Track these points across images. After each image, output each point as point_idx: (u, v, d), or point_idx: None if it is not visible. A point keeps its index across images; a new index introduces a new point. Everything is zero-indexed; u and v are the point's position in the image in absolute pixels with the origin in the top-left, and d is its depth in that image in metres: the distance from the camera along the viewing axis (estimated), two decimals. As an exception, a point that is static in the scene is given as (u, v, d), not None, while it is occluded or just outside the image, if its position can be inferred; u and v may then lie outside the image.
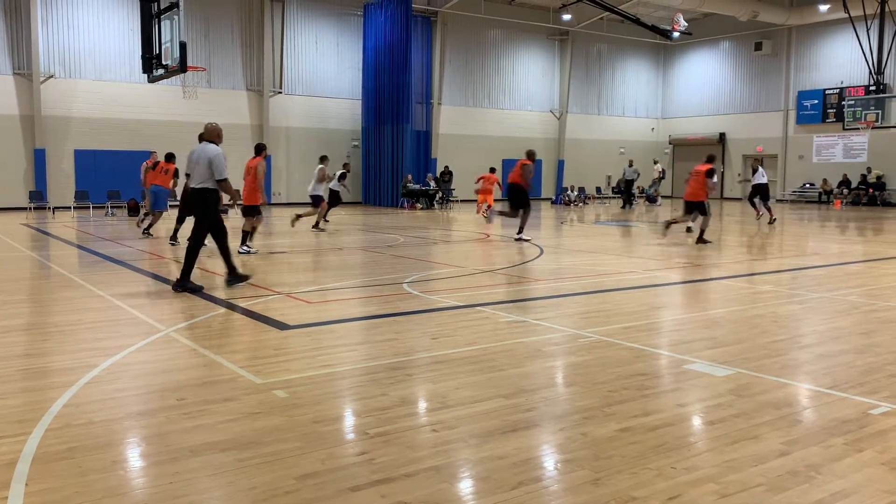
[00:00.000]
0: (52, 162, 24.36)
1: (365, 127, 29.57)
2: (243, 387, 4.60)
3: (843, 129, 29.50)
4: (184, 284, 8.11)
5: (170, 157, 14.89)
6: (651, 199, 32.28)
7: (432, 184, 28.29)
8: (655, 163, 33.19)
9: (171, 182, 14.98)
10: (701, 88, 37.13)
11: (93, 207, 23.22)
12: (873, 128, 27.60)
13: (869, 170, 30.77)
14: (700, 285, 9.28)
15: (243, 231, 12.03)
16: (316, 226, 16.63)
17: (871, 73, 28.05)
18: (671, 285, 9.20)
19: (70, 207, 23.50)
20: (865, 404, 4.30)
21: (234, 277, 8.46)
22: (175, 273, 9.12)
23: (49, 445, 3.62)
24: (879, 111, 27.41)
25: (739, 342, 5.95)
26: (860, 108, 28.10)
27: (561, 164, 35.19)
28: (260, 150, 12.19)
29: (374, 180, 29.58)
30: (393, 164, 28.58)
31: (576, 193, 31.50)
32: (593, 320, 6.85)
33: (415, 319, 6.80)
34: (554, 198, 32.92)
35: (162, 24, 15.29)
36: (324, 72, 29.22)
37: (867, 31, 27.40)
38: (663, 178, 32.41)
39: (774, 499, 3.05)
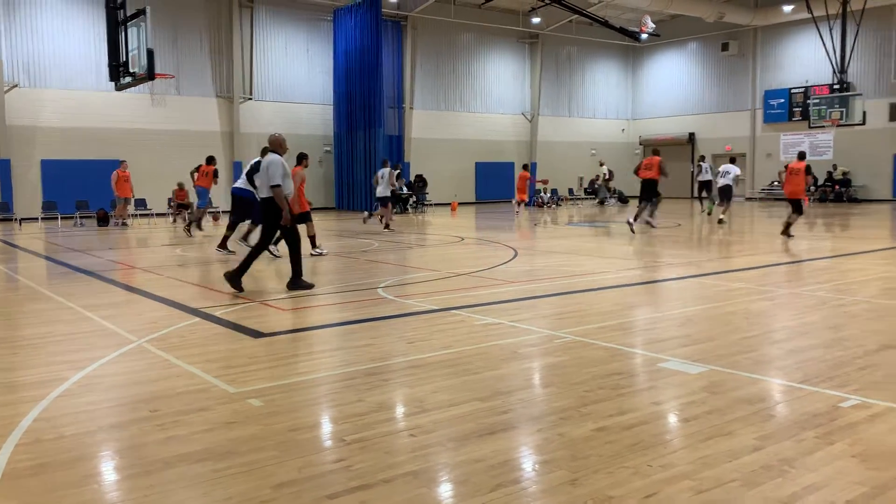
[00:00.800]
0: (18, 172, 23.95)
1: (337, 132, 29.50)
2: (217, 396, 4.56)
3: (809, 127, 30.01)
4: (235, 283, 8.47)
5: (210, 160, 17.15)
6: (623, 200, 32.56)
7: (405, 188, 28.26)
8: (601, 164, 33.06)
9: (212, 183, 17.24)
10: (670, 89, 37.55)
11: (61, 218, 22.86)
12: (838, 126, 28.11)
13: (835, 167, 31.33)
14: (673, 283, 9.37)
15: (310, 237, 12.55)
16: (387, 226, 18.21)
17: (834, 72, 28.57)
18: (645, 284, 9.28)
19: (37, 218, 23.10)
20: (835, 398, 4.37)
21: (297, 283, 8.69)
22: (148, 282, 9.01)
23: (19, 461, 3.55)
24: (844, 109, 27.90)
25: (712, 339, 6.02)
26: (825, 107, 28.58)
27: (534, 167, 35.36)
28: (301, 158, 12.61)
29: (346, 186, 29.51)
30: (366, 169, 28.52)
31: (549, 195, 31.67)
32: (568, 321, 6.89)
33: (390, 324, 6.78)
34: (527, 200, 33.04)
35: (128, 31, 15.09)
36: (294, 77, 29.10)
37: (830, 30, 27.92)
38: (610, 178, 32.30)
39: (749, 494, 3.09)
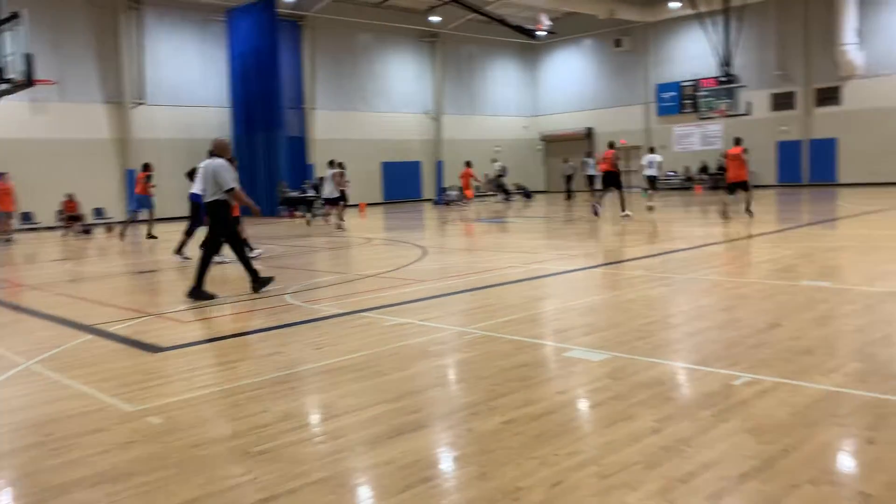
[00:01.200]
0: None
1: (236, 135, 28.72)
2: (114, 416, 4.35)
3: (699, 118, 31.43)
4: (197, 292, 8.31)
5: (145, 167, 18.11)
6: (527, 195, 33.15)
7: (311, 191, 27.84)
8: (493, 162, 33.18)
9: (149, 188, 17.99)
10: (568, 86, 38.53)
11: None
12: (725, 116, 29.57)
13: (725, 155, 32.90)
14: (578, 274, 9.60)
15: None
16: (339, 226, 18.52)
17: (720, 65, 30.01)
18: (551, 276, 9.47)
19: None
20: (729, 376, 4.58)
21: (258, 283, 8.74)
22: (36, 300, 8.51)
23: None
24: (730, 100, 29.36)
25: (614, 326, 6.20)
26: (713, 99, 30.00)
27: (440, 165, 35.56)
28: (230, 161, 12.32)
29: (249, 190, 28.65)
30: (268, 172, 27.94)
31: (456, 193, 31.89)
32: (477, 316, 6.95)
33: (297, 331, 6.66)
34: (435, 198, 33.22)
35: (3, 36, 14.23)
36: (189, 80, 28.15)
37: (714, 26, 29.31)
38: (502, 175, 32.34)
39: (650, 475, 3.19)
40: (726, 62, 29.55)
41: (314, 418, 4.23)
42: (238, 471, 3.49)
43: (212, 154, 8.81)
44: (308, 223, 20.48)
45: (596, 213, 18.04)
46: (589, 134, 37.68)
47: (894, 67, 28.58)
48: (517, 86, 39.46)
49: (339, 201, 18.99)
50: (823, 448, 3.42)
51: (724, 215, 16.05)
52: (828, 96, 30.32)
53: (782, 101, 31.54)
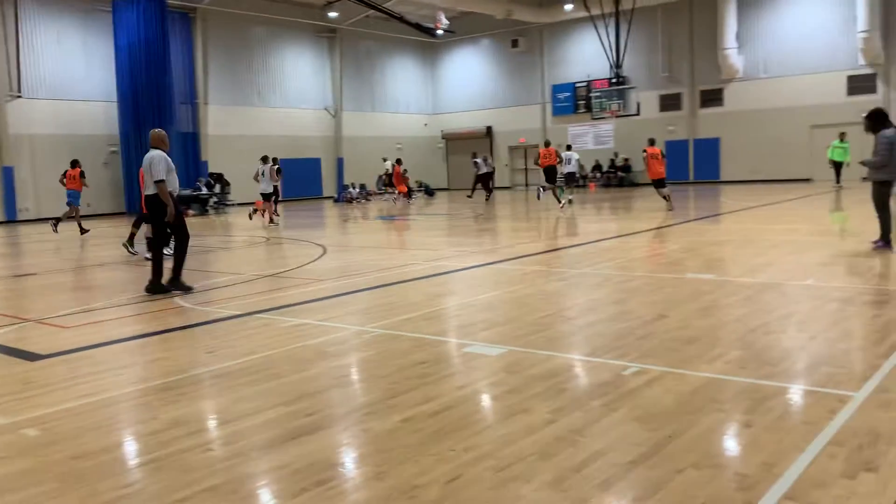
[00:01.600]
0: None
1: (123, 131, 27.42)
2: (-16, 431, 4.05)
3: (592, 118, 32.48)
4: (160, 288, 8.43)
5: (74, 164, 18.83)
6: (429, 192, 33.31)
7: (204, 188, 26.97)
8: (384, 160, 32.68)
9: (82, 185, 18.99)
10: (467, 84, 38.93)
11: None
12: (617, 116, 30.70)
13: (616, 154, 34.12)
14: (478, 271, 9.71)
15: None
16: (271, 220, 19.00)
17: (611, 66, 31.11)
18: (451, 273, 9.53)
19: None
20: (619, 366, 4.74)
21: (178, 283, 8.54)
22: None
23: None
24: (621, 101, 30.50)
25: (511, 321, 6.31)
26: (605, 99, 31.08)
27: (340, 162, 35.18)
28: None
29: (138, 188, 27.50)
30: (160, 169, 26.81)
31: (357, 190, 31.66)
32: (377, 315, 6.91)
33: (188, 334, 6.42)
34: (336, 196, 32.86)
35: None
36: (71, 73, 26.63)
37: (606, 28, 30.35)
38: (390, 173, 32.13)
39: (544, 465, 3.26)
40: (617, 64, 30.66)
41: (206, 424, 4.09)
42: (124, 482, 3.32)
43: (152, 148, 8.67)
44: (250, 217, 21.12)
45: (538, 197, 21.77)
46: (489, 132, 38.22)
47: (770, 71, 30.44)
48: (417, 83, 39.54)
49: (272, 196, 19.46)
50: (706, 433, 3.59)
51: (670, 207, 17.82)
52: (711, 98, 31.96)
53: (670, 102, 33.01)
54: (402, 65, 38.59)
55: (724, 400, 4.04)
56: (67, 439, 3.88)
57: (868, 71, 28.22)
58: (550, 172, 21.43)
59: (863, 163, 9.70)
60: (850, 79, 28.59)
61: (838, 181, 23.82)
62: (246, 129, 31.26)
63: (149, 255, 11.13)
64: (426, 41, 38.22)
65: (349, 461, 3.48)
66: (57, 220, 18.67)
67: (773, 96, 30.25)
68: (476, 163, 27.55)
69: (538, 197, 22.09)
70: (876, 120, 9.34)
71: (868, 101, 26.73)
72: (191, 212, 25.53)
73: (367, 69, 36.61)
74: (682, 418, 3.77)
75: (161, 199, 8.35)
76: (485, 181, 27.17)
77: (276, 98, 32.75)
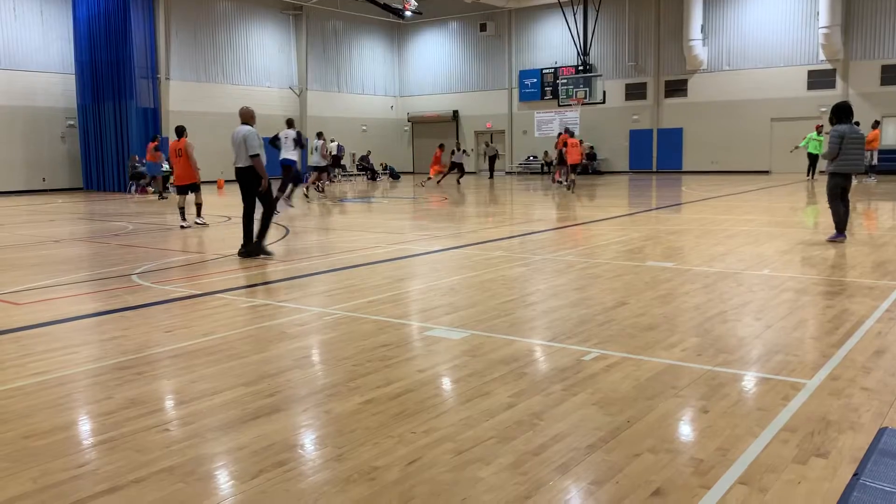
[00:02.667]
0: None
1: (81, 104, 26.75)
2: (-69, 409, 3.94)
3: (559, 105, 32.58)
4: (249, 250, 9.24)
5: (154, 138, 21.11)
6: (394, 175, 33.14)
7: (165, 165, 26.40)
8: (332, 141, 32.51)
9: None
10: (434, 67, 38.74)
11: None
12: (583, 104, 30.84)
13: (581, 142, 34.30)
14: (440, 255, 9.70)
15: (196, 205, 13.66)
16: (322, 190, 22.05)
17: (579, 54, 31.22)
18: (414, 257, 9.52)
19: None
20: (579, 352, 4.79)
21: (257, 248, 9.23)
22: None
23: None
24: (587, 89, 30.65)
25: (474, 305, 6.32)
26: (572, 87, 31.18)
27: (306, 141, 34.74)
28: (181, 132, 13.38)
29: (95, 163, 26.95)
30: (117, 144, 26.26)
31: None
32: (339, 297, 6.86)
33: (146, 313, 6.30)
34: (301, 177, 32.43)
35: None
36: (27, 43, 25.85)
37: (574, 15, 30.40)
38: (339, 154, 31.59)
39: (504, 449, 3.27)
40: (585, 52, 30.77)
41: (163, 404, 4.02)
42: (77, 462, 3.26)
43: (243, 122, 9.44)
44: (306, 193, 21.90)
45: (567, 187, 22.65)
46: (455, 116, 38.12)
47: (732, 63, 30.85)
48: (384, 65, 39.21)
49: (326, 170, 22.31)
50: (663, 418, 3.65)
51: (571, 188, 21.32)
52: (675, 88, 32.32)
53: (635, 91, 33.29)
54: (370, 45, 38.22)
55: (682, 386, 4.10)
56: (19, 418, 3.79)
57: (828, 66, 28.79)
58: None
59: (822, 156, 10.04)
60: (811, 73, 29.15)
61: (811, 174, 24.14)
62: (208, 106, 30.69)
63: (184, 224, 13.21)
64: (394, 22, 37.89)
65: (309, 442, 3.45)
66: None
67: (736, 89, 30.71)
68: (453, 151, 27.64)
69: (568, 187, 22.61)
70: (834, 113, 9.66)
71: (827, 96, 27.35)
72: (151, 189, 25.03)
73: (333, 49, 36.18)
74: (640, 403, 3.82)
75: (255, 172, 9.18)
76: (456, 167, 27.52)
77: (240, 75, 32.21)
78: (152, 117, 28.05)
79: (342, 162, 31.05)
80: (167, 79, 29.08)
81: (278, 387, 4.24)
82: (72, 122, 27.12)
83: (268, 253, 9.29)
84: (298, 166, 17.25)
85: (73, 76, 26.72)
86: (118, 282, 7.77)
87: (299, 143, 16.66)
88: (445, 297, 6.77)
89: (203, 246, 10.89)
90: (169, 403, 4.03)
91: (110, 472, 3.13)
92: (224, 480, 3.07)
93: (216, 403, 3.95)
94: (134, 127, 26.05)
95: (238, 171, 9.36)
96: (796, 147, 24.58)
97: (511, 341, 5.11)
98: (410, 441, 3.38)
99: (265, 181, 9.24)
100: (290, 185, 16.94)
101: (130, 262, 9.17)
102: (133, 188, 25.06)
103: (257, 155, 9.15)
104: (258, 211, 9.54)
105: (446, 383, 4.29)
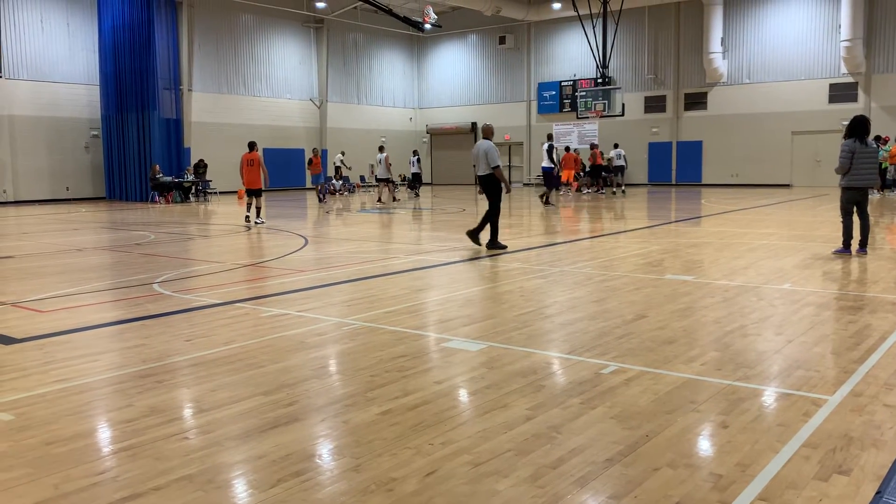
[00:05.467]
0: None
1: (105, 115, 27.14)
2: (-44, 414, 4.00)
3: (577, 117, 32.53)
4: (493, 243, 10.92)
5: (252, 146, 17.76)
6: (412, 186, 33.21)
7: (190, 175, 26.74)
8: (342, 153, 31.99)
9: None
10: (453, 79, 38.90)
11: None
12: (601, 117, 30.78)
13: (602, 154, 34.22)
14: (458, 266, 9.71)
15: (257, 208, 16.13)
16: (380, 200, 24.24)
17: (597, 66, 31.19)
18: (431, 268, 9.53)
19: None
20: (598, 365, 4.77)
21: (496, 243, 10.94)
22: None
23: None
24: (606, 101, 30.57)
25: (491, 317, 6.32)
26: (590, 99, 31.12)
27: (325, 154, 34.99)
28: (252, 146, 16.64)
29: (119, 173, 27.28)
30: (140, 155, 26.58)
31: (340, 182, 31.51)
32: (357, 307, 6.89)
33: (166, 321, 6.37)
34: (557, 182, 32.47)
35: None
36: (54, 54, 26.30)
37: (594, 28, 30.41)
38: (341, 166, 31.50)
39: (521, 462, 3.27)
40: (604, 64, 30.74)
41: (182, 412, 4.06)
42: (97, 469, 3.29)
43: (484, 134, 11.07)
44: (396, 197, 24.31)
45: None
46: (473, 128, 38.20)
47: (752, 77, 30.70)
48: (403, 77, 39.44)
49: (390, 181, 24.08)
50: (682, 432, 3.62)
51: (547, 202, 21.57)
52: (695, 101, 32.19)
53: (654, 104, 33.20)
54: (389, 58, 38.47)
55: (701, 400, 4.07)
56: (41, 424, 3.84)
57: (850, 80, 28.55)
58: (597, 170, 27.36)
59: (835, 170, 10.00)
60: (833, 86, 28.92)
61: (887, 188, 23.36)
62: (230, 118, 31.05)
63: (257, 221, 15.91)
64: (414, 35, 38.13)
65: (326, 453, 3.47)
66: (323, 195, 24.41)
67: (756, 102, 30.53)
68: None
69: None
70: (849, 128, 9.67)
71: (849, 110, 27.09)
72: (172, 199, 25.32)
73: (353, 61, 36.45)
74: (659, 418, 3.80)
75: (494, 178, 10.79)
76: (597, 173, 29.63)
77: (262, 87, 32.53)
78: (174, 128, 28.42)
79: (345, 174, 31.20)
80: (189, 90, 29.43)
81: (297, 396, 4.26)
82: (95, 133, 27.51)
83: (502, 247, 10.90)
84: (554, 172, 22.11)
85: (98, 87, 27.12)
86: (140, 290, 7.86)
87: (550, 153, 21.17)
88: (463, 308, 6.77)
89: (223, 256, 10.97)
90: (188, 412, 4.07)
91: (130, 479, 3.16)
92: (242, 489, 3.08)
93: (235, 412, 3.98)
94: (156, 137, 26.37)
95: (480, 178, 11.10)
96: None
97: (529, 353, 5.10)
98: (428, 452, 3.38)
99: (507, 186, 11.06)
100: (552, 189, 21.16)
101: (152, 271, 9.27)
102: (156, 198, 25.35)
103: (498, 166, 10.76)
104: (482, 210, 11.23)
105: (463, 395, 4.29)
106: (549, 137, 22.11)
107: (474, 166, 11.45)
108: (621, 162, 27.64)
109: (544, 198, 20.87)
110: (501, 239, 11.16)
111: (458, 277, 8.86)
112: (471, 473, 3.15)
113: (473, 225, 11.47)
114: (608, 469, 3.18)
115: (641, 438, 3.52)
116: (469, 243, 11.19)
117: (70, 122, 26.81)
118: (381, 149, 24.11)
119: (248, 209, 16.38)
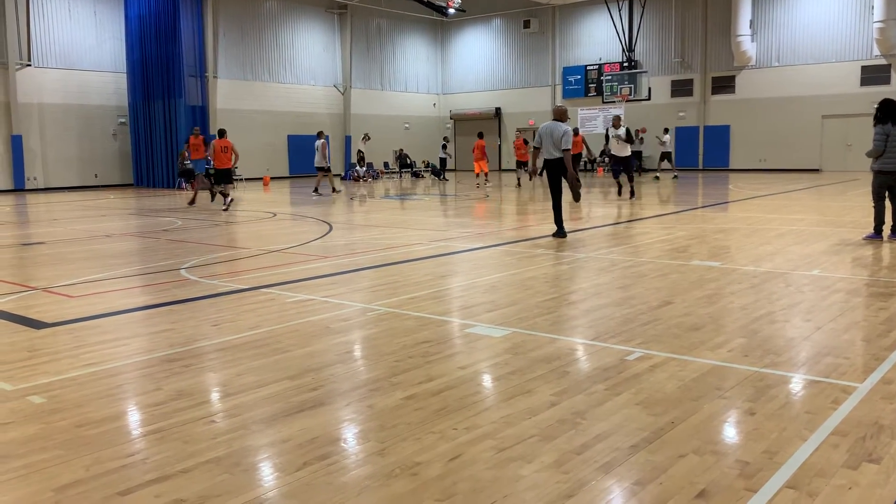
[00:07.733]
0: None
1: (132, 102, 27.42)
2: (-10, 396, 4.08)
3: (603, 102, 32.25)
4: (560, 232, 10.52)
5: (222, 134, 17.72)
6: (436, 173, 33.20)
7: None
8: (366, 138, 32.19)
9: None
10: (477, 64, 38.70)
11: None
12: (627, 101, 30.47)
13: (628, 130, 33.90)
14: (482, 252, 9.70)
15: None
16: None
17: (623, 50, 30.84)
18: (455, 254, 9.53)
19: None
20: (623, 351, 4.74)
21: (560, 233, 10.52)
22: None
23: None
24: (632, 85, 30.29)
25: (515, 303, 6.30)
26: (616, 83, 30.85)
27: (348, 140, 35.09)
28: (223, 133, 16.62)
29: (146, 160, 27.58)
30: (167, 141, 26.84)
31: (364, 169, 31.59)
32: (381, 293, 6.91)
33: (193, 307, 6.44)
34: (343, 173, 32.81)
35: None
36: (81, 42, 26.58)
37: (619, 11, 30.05)
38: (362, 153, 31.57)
39: (546, 447, 3.26)
40: (630, 48, 30.40)
41: (209, 396, 4.11)
42: (127, 451, 3.35)
43: (556, 116, 10.55)
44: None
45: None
46: (498, 113, 38.04)
47: (782, 60, 30.17)
48: (427, 63, 39.32)
49: (326, 170, 21.95)
50: (708, 419, 3.59)
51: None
52: (723, 85, 31.72)
53: (681, 88, 32.77)
54: (413, 43, 38.36)
55: (728, 387, 4.04)
56: (72, 407, 3.91)
57: (882, 62, 27.94)
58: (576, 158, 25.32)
59: (867, 154, 9.82)
60: (864, 69, 28.33)
61: None
62: (255, 104, 31.21)
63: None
64: (437, 20, 37.96)
65: (351, 437, 3.49)
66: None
67: (785, 85, 30.01)
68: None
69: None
70: (881, 110, 9.49)
71: (882, 92, 26.47)
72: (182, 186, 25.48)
73: (376, 47, 36.40)
74: (684, 404, 3.77)
75: (561, 163, 10.24)
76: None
77: (286, 73, 32.63)
78: (200, 115, 28.63)
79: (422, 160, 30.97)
80: (215, 77, 29.61)
81: (322, 381, 4.29)
82: (123, 120, 27.81)
83: (565, 234, 10.56)
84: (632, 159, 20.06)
85: (125, 75, 27.39)
86: (167, 276, 7.95)
87: (629, 138, 19.08)
88: (487, 294, 6.76)
89: (248, 242, 11.06)
90: (215, 396, 4.11)
91: (159, 461, 3.21)
92: (268, 472, 3.12)
93: (261, 396, 4.02)
94: (183, 124, 26.58)
95: (548, 162, 10.48)
96: None
97: (553, 339, 5.08)
98: (452, 437, 3.39)
99: (571, 172, 10.29)
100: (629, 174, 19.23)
101: (179, 257, 9.38)
102: (183, 184, 25.57)
103: (568, 150, 10.17)
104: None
105: (487, 381, 4.29)
106: (618, 120, 19.45)
107: (536, 148, 10.95)
108: (670, 148, 26.98)
109: (622, 189, 18.99)
110: (548, 225, 10.97)
111: (481, 264, 8.84)
112: (495, 458, 3.16)
113: (550, 221, 11.10)
114: (633, 455, 3.17)
115: (667, 425, 3.50)
116: (553, 240, 10.48)
117: (98, 110, 27.12)
118: (319, 134, 22.07)
119: (213, 197, 17.22)
